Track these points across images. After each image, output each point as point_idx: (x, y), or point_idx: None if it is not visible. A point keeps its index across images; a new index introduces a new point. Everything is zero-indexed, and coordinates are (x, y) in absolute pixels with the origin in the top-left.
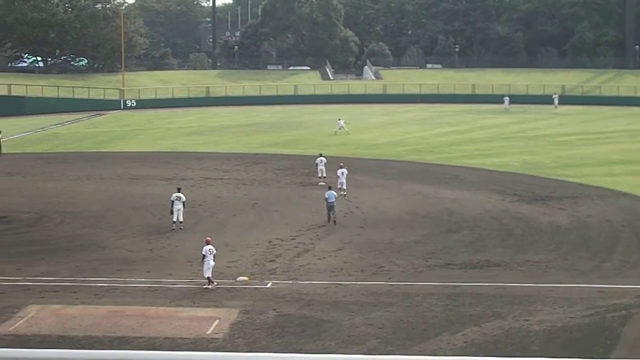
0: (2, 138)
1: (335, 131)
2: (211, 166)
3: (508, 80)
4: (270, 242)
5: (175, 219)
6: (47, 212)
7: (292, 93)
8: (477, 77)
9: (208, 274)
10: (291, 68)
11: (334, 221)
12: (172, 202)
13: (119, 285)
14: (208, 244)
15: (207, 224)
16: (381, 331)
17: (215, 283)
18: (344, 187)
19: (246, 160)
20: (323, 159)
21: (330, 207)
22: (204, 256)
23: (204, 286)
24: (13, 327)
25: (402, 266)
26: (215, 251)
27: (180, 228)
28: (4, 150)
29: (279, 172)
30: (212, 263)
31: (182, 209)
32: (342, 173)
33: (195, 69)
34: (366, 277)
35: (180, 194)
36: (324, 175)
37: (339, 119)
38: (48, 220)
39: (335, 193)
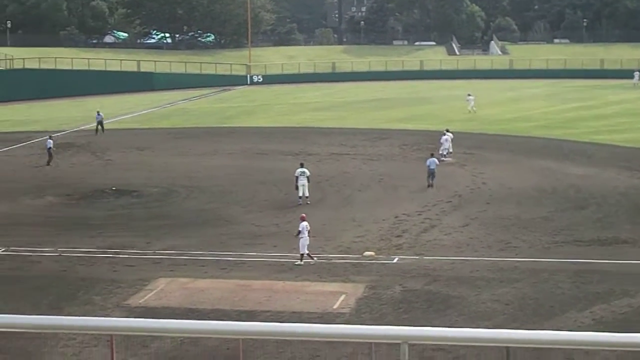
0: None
1: (471, 109)
2: (337, 141)
3: (637, 54)
4: (396, 217)
5: (300, 194)
6: (175, 186)
7: (417, 68)
8: (605, 52)
9: (304, 250)
10: (417, 43)
11: (431, 185)
12: (297, 177)
13: (246, 260)
14: (303, 220)
15: (334, 199)
16: (508, 307)
17: (314, 259)
18: (449, 151)
19: (372, 136)
20: (448, 136)
21: (431, 173)
22: (299, 232)
23: (296, 262)
24: (143, 300)
25: (529, 242)
26: (309, 227)
27: (307, 203)
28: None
29: (405, 147)
30: (307, 239)
31: (306, 184)
32: (446, 140)
33: (321, 44)
34: (492, 253)
35: (304, 169)
36: (450, 151)
37: (469, 95)
38: (176, 195)
39: (436, 160)
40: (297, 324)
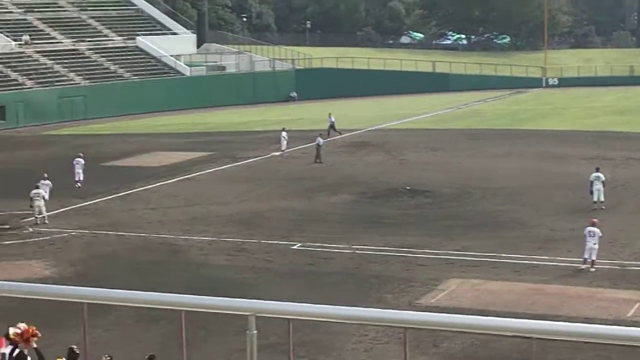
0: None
1: None
2: (636, 146)
3: None
4: None
5: (595, 199)
6: (468, 187)
7: None
8: None
9: (586, 254)
10: None
11: None
12: (591, 182)
13: (539, 263)
14: (593, 225)
15: (630, 205)
16: None
17: (593, 269)
18: None
19: None
20: None
21: None
22: (585, 236)
23: (580, 267)
24: (434, 299)
25: None
26: (600, 234)
27: (602, 208)
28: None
29: None
30: (592, 245)
31: (602, 188)
32: None
33: (618, 47)
34: None
35: (599, 174)
36: None
37: None
38: (469, 196)
39: None
40: (591, 325)
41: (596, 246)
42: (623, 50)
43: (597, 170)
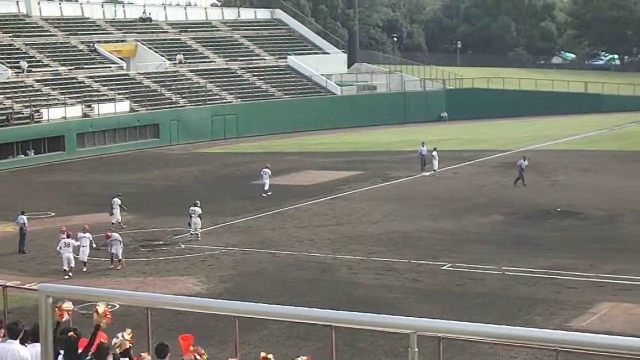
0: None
1: None
2: None
3: None
4: None
5: None
6: (621, 209)
7: None
8: None
9: None
10: None
11: None
12: None
13: None
14: None
15: None
16: None
17: None
18: None
19: None
20: None
21: None
22: None
23: None
24: (585, 323)
25: None
26: None
27: None
28: None
29: None
30: None
31: None
32: None
33: None
34: None
35: None
36: None
37: None
38: (621, 218)
39: None
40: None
41: None
42: None
43: None
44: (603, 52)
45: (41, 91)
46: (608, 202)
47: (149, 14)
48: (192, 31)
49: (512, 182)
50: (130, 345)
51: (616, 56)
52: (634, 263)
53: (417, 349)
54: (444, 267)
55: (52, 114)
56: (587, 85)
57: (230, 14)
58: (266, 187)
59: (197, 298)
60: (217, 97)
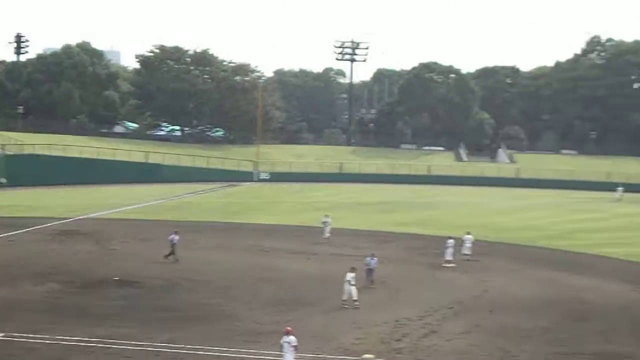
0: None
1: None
2: (340, 242)
3: None
4: (397, 321)
5: (345, 297)
6: (179, 279)
7: (425, 173)
8: (613, 165)
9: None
10: (425, 148)
11: (372, 281)
12: (347, 281)
13: (246, 357)
14: (288, 334)
15: (336, 300)
16: None
17: None
18: (468, 252)
19: (377, 238)
20: (452, 241)
21: (369, 272)
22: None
23: None
24: None
25: (530, 352)
26: (294, 342)
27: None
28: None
29: (410, 250)
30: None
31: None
32: (469, 239)
33: (329, 144)
34: None
35: (353, 274)
36: (451, 258)
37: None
38: (179, 288)
39: (376, 259)
40: None
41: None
42: (334, 147)
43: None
44: (165, 123)
45: None
46: (166, 272)
47: None
48: None
49: (70, 249)
50: None
51: (177, 127)
52: (188, 332)
53: None
54: None
55: None
56: (149, 154)
57: None
58: None
59: None
60: None
